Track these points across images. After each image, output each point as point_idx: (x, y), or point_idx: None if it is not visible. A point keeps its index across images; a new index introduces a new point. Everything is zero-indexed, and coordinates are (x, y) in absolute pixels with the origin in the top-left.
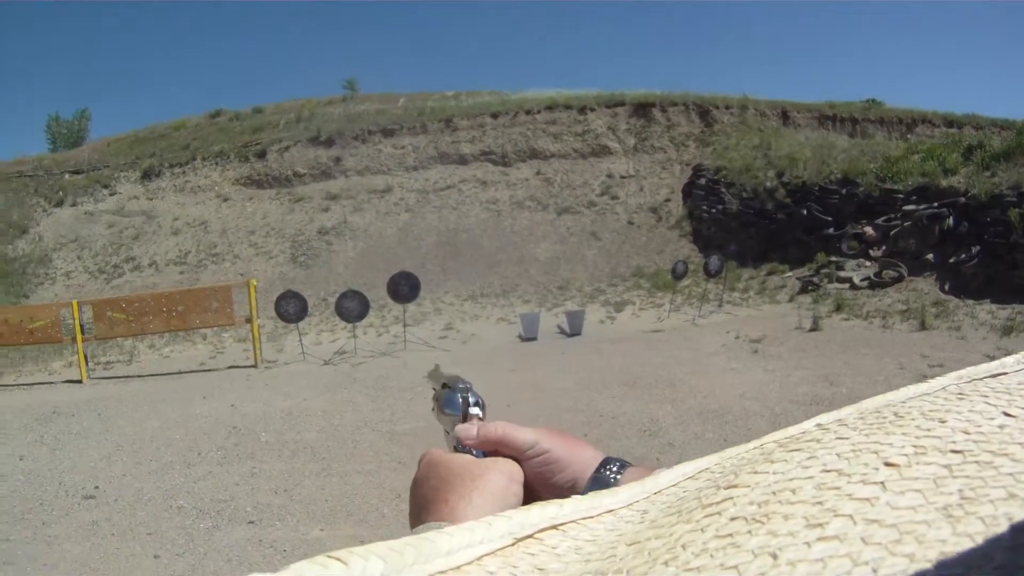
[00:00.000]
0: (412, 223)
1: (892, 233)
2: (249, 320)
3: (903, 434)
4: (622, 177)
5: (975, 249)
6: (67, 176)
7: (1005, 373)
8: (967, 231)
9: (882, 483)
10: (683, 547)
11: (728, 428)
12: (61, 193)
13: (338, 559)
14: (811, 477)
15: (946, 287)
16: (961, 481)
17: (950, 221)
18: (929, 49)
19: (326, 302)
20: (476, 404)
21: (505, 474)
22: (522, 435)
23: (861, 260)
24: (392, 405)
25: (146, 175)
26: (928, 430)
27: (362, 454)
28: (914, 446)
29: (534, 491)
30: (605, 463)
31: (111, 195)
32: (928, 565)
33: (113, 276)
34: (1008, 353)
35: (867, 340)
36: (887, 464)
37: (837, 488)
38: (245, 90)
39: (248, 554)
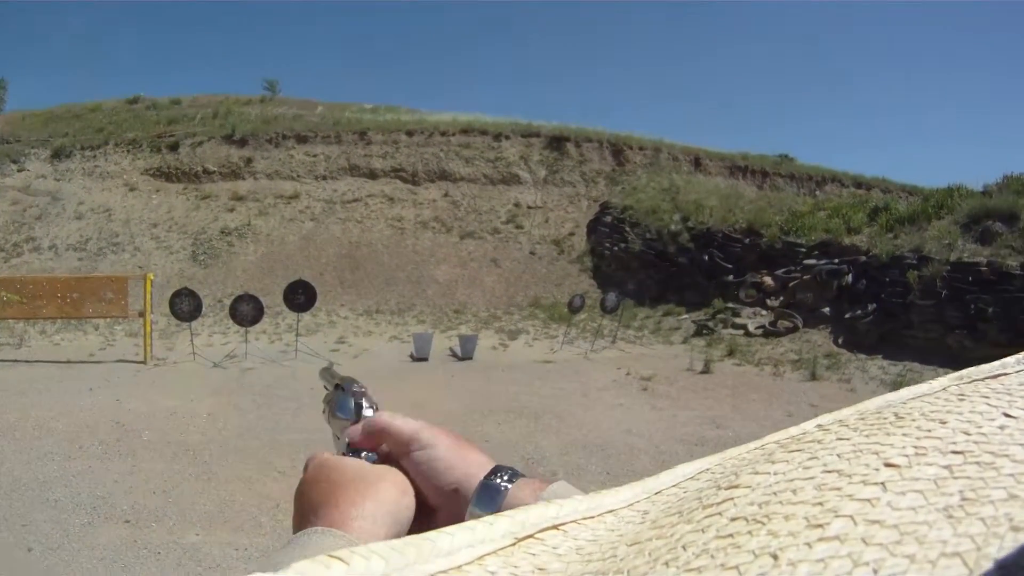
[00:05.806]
0: (315, 232)
1: (791, 285)
2: (142, 314)
3: (904, 435)
4: (529, 207)
5: (871, 306)
6: None
7: (1006, 374)
8: (864, 289)
9: (883, 484)
10: (684, 547)
11: (611, 462)
12: None
13: (340, 559)
14: (812, 478)
15: (839, 341)
16: (962, 482)
17: (849, 278)
18: (843, 108)
19: (221, 303)
20: (370, 408)
21: (399, 485)
22: (406, 426)
23: (758, 309)
24: (277, 414)
25: (56, 155)
26: (929, 431)
27: (244, 461)
28: (915, 447)
29: (416, 491)
30: (496, 470)
31: (19, 171)
32: (929, 566)
33: (12, 255)
34: None
35: (757, 386)
36: (888, 465)
37: (838, 489)
38: (165, 78)
39: (122, 554)
